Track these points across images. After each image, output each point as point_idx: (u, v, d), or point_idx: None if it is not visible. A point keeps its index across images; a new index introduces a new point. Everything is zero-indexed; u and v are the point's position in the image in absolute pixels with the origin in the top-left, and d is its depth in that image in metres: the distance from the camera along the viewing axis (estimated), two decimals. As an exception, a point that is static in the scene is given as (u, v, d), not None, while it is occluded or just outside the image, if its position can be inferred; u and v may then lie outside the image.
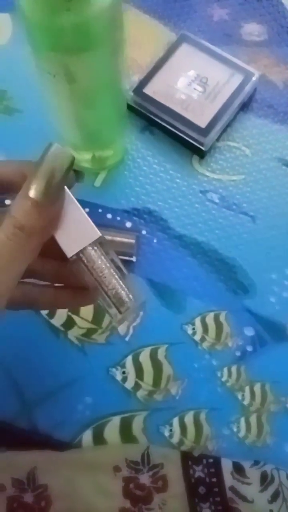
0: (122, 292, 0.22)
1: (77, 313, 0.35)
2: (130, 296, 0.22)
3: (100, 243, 0.22)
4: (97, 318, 0.35)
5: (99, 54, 0.26)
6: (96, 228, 0.22)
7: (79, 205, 0.22)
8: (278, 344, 0.35)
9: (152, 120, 0.38)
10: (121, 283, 0.22)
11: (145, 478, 0.31)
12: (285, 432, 0.33)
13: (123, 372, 0.34)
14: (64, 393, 0.34)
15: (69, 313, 0.35)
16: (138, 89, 0.38)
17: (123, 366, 0.34)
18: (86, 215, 0.22)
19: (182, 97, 0.38)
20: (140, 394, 0.34)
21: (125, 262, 0.36)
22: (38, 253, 0.21)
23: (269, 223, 0.38)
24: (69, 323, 0.35)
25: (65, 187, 0.21)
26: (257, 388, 0.34)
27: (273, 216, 0.38)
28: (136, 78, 0.39)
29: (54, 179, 0.19)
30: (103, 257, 0.22)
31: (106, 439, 0.33)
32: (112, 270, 0.22)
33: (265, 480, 0.31)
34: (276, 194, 0.39)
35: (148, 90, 0.38)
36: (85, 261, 0.22)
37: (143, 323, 0.35)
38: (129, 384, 0.34)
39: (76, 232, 0.22)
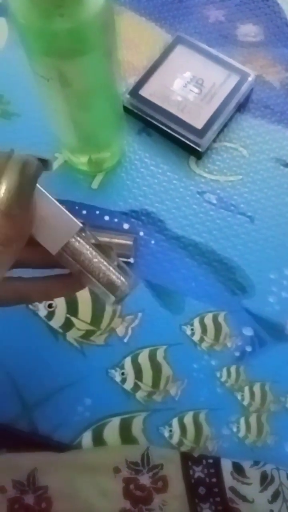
0: (113, 276, 0.22)
1: (75, 315, 0.35)
2: (122, 278, 0.22)
3: (83, 231, 0.22)
4: (96, 319, 0.35)
5: (93, 58, 0.26)
6: (75, 220, 0.21)
7: (54, 200, 0.21)
8: (277, 344, 0.35)
9: (149, 122, 0.39)
10: (111, 268, 0.22)
11: (145, 479, 0.31)
12: (285, 432, 0.33)
13: (122, 373, 0.34)
14: (63, 394, 0.34)
15: (68, 315, 0.35)
16: (134, 91, 0.38)
17: (122, 367, 0.34)
18: (63, 208, 0.21)
19: (178, 98, 0.38)
20: (140, 395, 0.34)
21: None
22: (17, 257, 0.20)
23: (267, 224, 0.38)
24: (67, 325, 0.35)
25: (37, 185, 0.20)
26: (256, 388, 0.34)
27: (271, 217, 0.38)
28: (132, 81, 0.39)
29: (22, 189, 0.19)
30: (88, 246, 0.22)
31: (106, 440, 0.33)
32: (99, 258, 0.22)
33: (265, 480, 0.31)
34: (274, 194, 0.39)
35: (144, 92, 0.38)
36: (71, 254, 0.21)
37: (141, 324, 0.35)
38: (128, 385, 0.34)
39: (56, 228, 0.21)
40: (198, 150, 0.38)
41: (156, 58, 0.40)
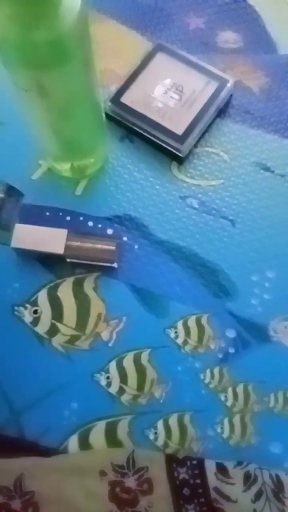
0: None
1: (60, 320, 0.36)
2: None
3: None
4: (81, 324, 0.36)
5: (70, 68, 0.26)
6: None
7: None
8: (260, 345, 0.36)
9: (131, 128, 0.39)
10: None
11: (130, 482, 0.32)
12: (269, 432, 0.34)
13: (107, 377, 0.34)
14: (50, 399, 0.34)
15: (53, 321, 0.36)
16: (116, 99, 0.39)
17: (107, 371, 0.35)
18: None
19: (159, 105, 0.39)
20: (125, 398, 0.34)
21: (107, 268, 0.37)
22: None
23: (249, 227, 0.39)
24: (53, 331, 0.35)
25: None
26: (239, 389, 0.34)
27: (252, 220, 0.39)
28: (113, 88, 0.40)
29: None
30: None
31: (92, 444, 0.33)
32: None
33: (248, 480, 0.32)
34: (255, 198, 0.39)
35: (126, 99, 0.39)
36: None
37: (126, 328, 0.36)
38: (113, 389, 0.34)
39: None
40: (179, 156, 0.38)
41: (137, 65, 0.40)
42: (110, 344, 0.35)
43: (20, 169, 0.40)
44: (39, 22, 0.24)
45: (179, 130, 0.38)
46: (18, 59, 0.26)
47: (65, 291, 0.36)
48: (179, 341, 0.35)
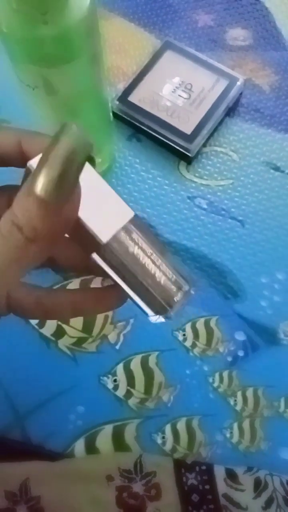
0: (169, 282, 0.17)
1: (67, 322, 0.35)
2: (183, 284, 0.17)
3: (136, 220, 0.18)
4: (87, 326, 0.35)
5: (78, 65, 0.26)
6: (128, 207, 0.18)
7: (104, 182, 0.18)
8: (270, 348, 0.35)
9: (139, 127, 0.39)
10: (169, 271, 0.17)
11: (138, 487, 0.31)
12: (279, 437, 0.33)
13: (115, 380, 0.34)
14: (56, 402, 0.34)
15: (59, 323, 0.35)
16: (124, 97, 0.38)
17: (114, 374, 0.34)
18: (115, 192, 0.18)
19: (167, 104, 0.38)
20: (132, 402, 0.33)
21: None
22: (44, 258, 0.17)
23: (258, 227, 0.38)
24: (59, 333, 0.35)
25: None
26: (249, 393, 0.34)
27: (262, 220, 0.38)
28: (121, 86, 0.39)
29: (68, 171, 0.15)
30: (140, 240, 0.17)
31: (99, 448, 0.32)
32: (154, 256, 0.17)
33: (258, 486, 0.31)
34: (265, 198, 0.39)
35: (133, 98, 0.38)
36: (118, 247, 0.17)
37: (133, 331, 0.35)
38: (120, 392, 0.34)
39: (106, 214, 0.17)
40: (188, 155, 0.37)
41: (144, 64, 0.40)
42: (117, 347, 0.35)
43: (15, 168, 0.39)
44: (46, 17, 0.23)
45: (188, 129, 0.37)
46: (24, 55, 0.25)
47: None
48: (188, 344, 0.35)
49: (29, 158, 0.17)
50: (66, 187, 0.15)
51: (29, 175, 0.15)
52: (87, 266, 0.21)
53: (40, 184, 0.14)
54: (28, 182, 0.15)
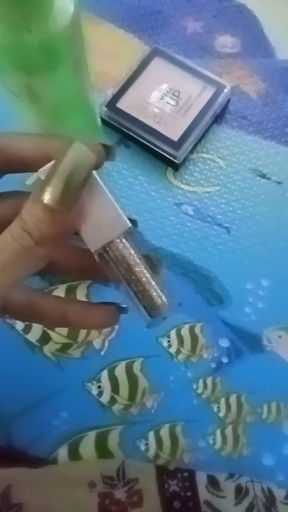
0: (154, 293, 0.19)
1: (52, 328, 0.35)
2: (163, 298, 0.19)
3: (131, 233, 0.19)
4: (73, 333, 0.35)
5: (62, 72, 0.26)
6: (125, 218, 0.19)
7: (106, 191, 0.19)
8: (254, 355, 0.35)
9: (126, 134, 0.39)
10: (153, 283, 0.19)
11: (120, 493, 0.31)
12: (261, 443, 0.33)
13: (99, 387, 0.34)
14: (40, 408, 0.34)
15: (45, 329, 0.35)
16: (112, 104, 0.38)
17: (99, 380, 0.34)
18: (115, 202, 0.19)
19: (155, 110, 0.38)
20: (116, 408, 0.34)
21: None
22: (46, 261, 0.18)
23: (244, 234, 0.38)
24: (44, 338, 0.35)
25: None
26: (232, 399, 0.34)
27: (247, 227, 0.38)
28: (110, 92, 0.40)
29: (73, 184, 0.17)
30: (132, 251, 0.19)
31: (82, 455, 0.32)
32: (142, 267, 0.19)
33: (239, 493, 0.31)
34: (251, 205, 0.39)
35: (121, 104, 0.38)
36: (112, 256, 0.19)
37: (118, 337, 0.35)
38: (104, 399, 0.34)
39: (102, 223, 0.18)
40: (175, 162, 0.38)
41: (133, 70, 0.40)
42: (102, 353, 0.35)
43: (14, 175, 0.39)
44: (30, 24, 0.23)
45: (175, 136, 0.37)
46: (7, 62, 0.25)
47: (57, 298, 0.36)
48: (172, 350, 0.35)
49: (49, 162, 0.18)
50: (71, 197, 0.17)
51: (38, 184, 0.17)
52: (84, 270, 0.22)
53: (48, 194, 0.17)
54: (36, 191, 0.17)
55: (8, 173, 0.21)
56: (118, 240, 0.19)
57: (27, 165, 0.20)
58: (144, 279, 0.19)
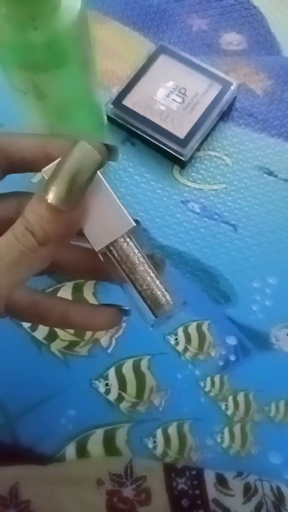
0: (158, 292, 0.19)
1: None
2: (168, 297, 0.19)
3: (135, 232, 0.19)
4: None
5: (68, 70, 0.26)
6: (129, 217, 0.19)
7: (110, 190, 0.19)
8: (261, 353, 0.35)
9: (133, 131, 0.39)
10: (158, 282, 0.19)
11: (128, 491, 0.31)
12: (269, 442, 0.33)
13: (106, 384, 0.34)
14: (47, 406, 0.34)
15: (51, 326, 0.35)
16: (118, 101, 0.38)
17: (106, 378, 0.34)
18: (119, 201, 0.19)
19: (161, 108, 0.38)
20: (124, 406, 0.33)
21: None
22: (50, 261, 0.18)
23: (250, 232, 0.38)
24: (51, 336, 0.35)
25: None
26: (240, 397, 0.34)
27: (254, 225, 0.38)
28: (115, 90, 0.39)
29: (77, 183, 0.17)
30: (136, 251, 0.19)
31: (90, 452, 0.32)
32: (147, 266, 0.19)
33: (248, 491, 0.31)
34: (258, 202, 0.39)
35: (127, 102, 0.38)
36: (116, 255, 0.19)
37: (125, 335, 0.35)
38: (112, 396, 0.34)
39: (106, 222, 0.18)
40: (181, 159, 0.38)
41: (139, 67, 0.40)
42: (109, 351, 0.35)
43: (16, 175, 0.39)
44: (36, 23, 0.23)
45: (181, 133, 0.37)
46: (14, 60, 0.25)
47: (65, 296, 0.36)
48: (180, 348, 0.35)
49: (52, 161, 0.18)
50: (75, 197, 0.17)
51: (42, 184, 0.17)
52: (88, 270, 0.22)
53: (52, 193, 0.16)
54: (40, 190, 0.17)
55: (10, 173, 0.21)
56: (122, 239, 0.19)
57: (29, 165, 0.20)
58: (148, 278, 0.19)
